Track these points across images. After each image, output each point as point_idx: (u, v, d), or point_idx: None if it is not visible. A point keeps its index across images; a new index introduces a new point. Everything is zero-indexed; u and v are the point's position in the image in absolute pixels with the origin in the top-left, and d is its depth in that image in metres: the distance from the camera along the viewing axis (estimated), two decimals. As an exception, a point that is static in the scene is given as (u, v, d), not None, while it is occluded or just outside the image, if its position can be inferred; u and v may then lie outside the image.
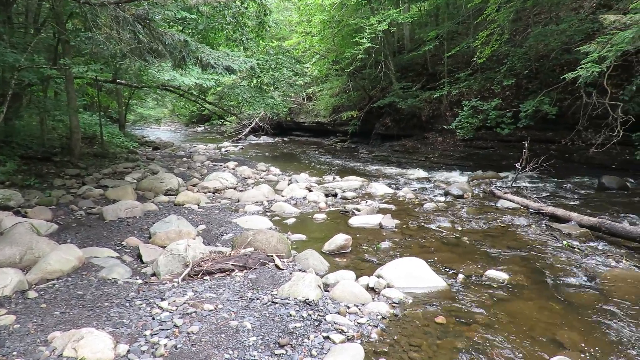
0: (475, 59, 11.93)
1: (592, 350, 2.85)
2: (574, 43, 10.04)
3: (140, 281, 3.77)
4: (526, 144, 8.81)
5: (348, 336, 2.94)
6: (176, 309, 3.14)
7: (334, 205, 7.25)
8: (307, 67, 18.32)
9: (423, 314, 3.34)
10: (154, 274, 3.93)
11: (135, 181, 8.44)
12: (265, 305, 3.29)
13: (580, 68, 7.79)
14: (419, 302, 3.57)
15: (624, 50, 7.14)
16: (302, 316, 3.14)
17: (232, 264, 4.02)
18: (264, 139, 23.55)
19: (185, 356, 2.58)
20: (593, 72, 7.54)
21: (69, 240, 4.78)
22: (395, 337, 2.98)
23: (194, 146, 18.50)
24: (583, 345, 2.92)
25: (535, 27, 11.42)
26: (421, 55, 15.40)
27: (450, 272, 4.22)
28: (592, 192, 8.23)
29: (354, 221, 6.10)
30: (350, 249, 4.89)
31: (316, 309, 3.27)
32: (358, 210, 6.65)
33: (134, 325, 2.92)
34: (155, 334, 2.80)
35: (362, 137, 18.22)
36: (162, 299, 3.31)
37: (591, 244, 5.13)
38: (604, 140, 8.92)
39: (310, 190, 8.20)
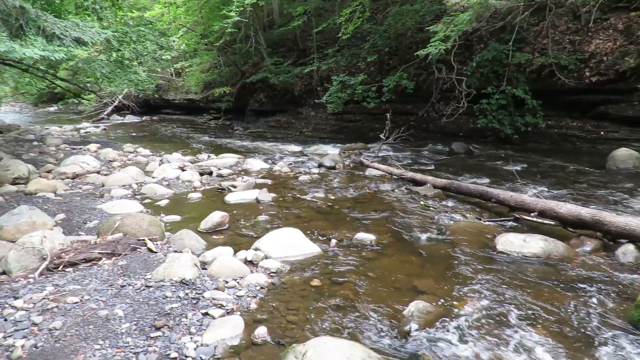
0: (340, 35, 12.43)
1: (443, 292, 3.29)
2: (426, 22, 11.01)
3: (-14, 282, 3.32)
4: (388, 116, 9.56)
5: (227, 310, 2.98)
6: (34, 306, 2.85)
7: (209, 184, 7.10)
8: (174, 41, 17.26)
9: (300, 280, 3.51)
10: (4, 272, 3.49)
11: (-29, 171, 7.25)
12: (138, 291, 3.15)
13: (430, 46, 8.63)
14: (296, 269, 3.74)
15: (464, 30, 8.08)
16: (179, 296, 3.08)
17: (99, 252, 3.75)
18: (130, 119, 21.80)
19: (48, 354, 2.38)
20: (439, 49, 8.42)
21: None
22: (274, 304, 3.10)
23: (46, 128, 16.35)
24: (437, 289, 3.35)
25: (393, 7, 12.23)
26: (291, 30, 15.52)
27: (324, 238, 4.48)
28: (444, 157, 9.32)
29: (231, 198, 6.07)
30: (227, 225, 4.87)
31: (193, 287, 3.23)
32: (234, 186, 6.62)
33: (-19, 331, 2.59)
34: (10, 336, 2.52)
35: (236, 114, 17.92)
36: (16, 298, 2.97)
37: (443, 202, 5.84)
38: (452, 111, 10.07)
39: (183, 170, 7.90)
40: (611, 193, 6.00)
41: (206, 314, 2.89)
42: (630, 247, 3.82)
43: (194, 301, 3.04)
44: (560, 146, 9.39)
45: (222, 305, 3.01)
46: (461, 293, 3.27)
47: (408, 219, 5.09)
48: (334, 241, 4.36)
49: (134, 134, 16.00)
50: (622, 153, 7.51)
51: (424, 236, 4.55)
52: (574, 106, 9.54)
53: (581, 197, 5.88)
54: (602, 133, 9.03)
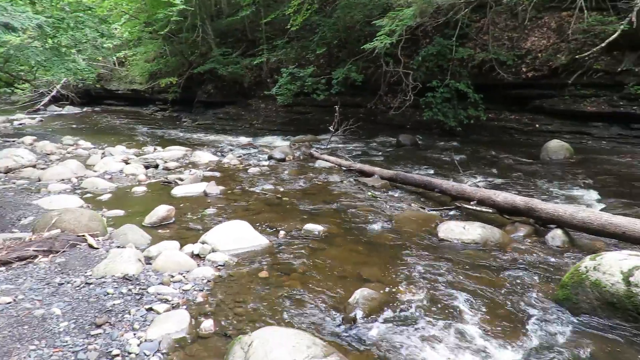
0: (289, 26, 12.37)
1: (388, 279, 3.40)
2: (374, 16, 11.17)
3: None
4: (337, 108, 9.66)
5: (173, 304, 2.93)
6: (-39, 309, 2.68)
7: (155, 177, 6.91)
8: (116, 29, 16.49)
9: (247, 272, 3.51)
10: None
11: None
12: (77, 288, 3.04)
13: (376, 39, 8.79)
14: (243, 261, 3.73)
15: (408, 24, 8.30)
16: (122, 292, 3.00)
17: (34, 250, 3.56)
18: (69, 110, 20.67)
19: (-23, 358, 2.25)
20: (385, 43, 8.60)
21: None
22: (221, 297, 3.08)
23: (-26, 120, 15.23)
24: (381, 276, 3.45)
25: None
26: (239, 20, 15.24)
27: (273, 230, 4.48)
28: (392, 149, 9.56)
29: (177, 191, 5.93)
30: (174, 219, 4.76)
31: (137, 283, 3.16)
32: (181, 179, 6.48)
33: None
34: None
35: (184, 105, 17.46)
36: (-60, 301, 2.78)
37: (390, 192, 6.01)
38: (400, 104, 10.33)
39: (127, 163, 7.62)
40: (544, 182, 6.42)
41: (150, 309, 2.83)
42: (558, 232, 4.11)
43: (138, 297, 2.97)
44: (500, 138, 9.88)
45: (168, 300, 2.96)
46: (404, 280, 3.39)
47: (356, 210, 5.19)
48: (282, 232, 4.38)
49: (74, 125, 15.21)
50: (554, 144, 8.01)
51: (370, 226, 4.67)
52: (512, 100, 10.07)
53: (517, 186, 6.24)
54: (537, 126, 9.59)
